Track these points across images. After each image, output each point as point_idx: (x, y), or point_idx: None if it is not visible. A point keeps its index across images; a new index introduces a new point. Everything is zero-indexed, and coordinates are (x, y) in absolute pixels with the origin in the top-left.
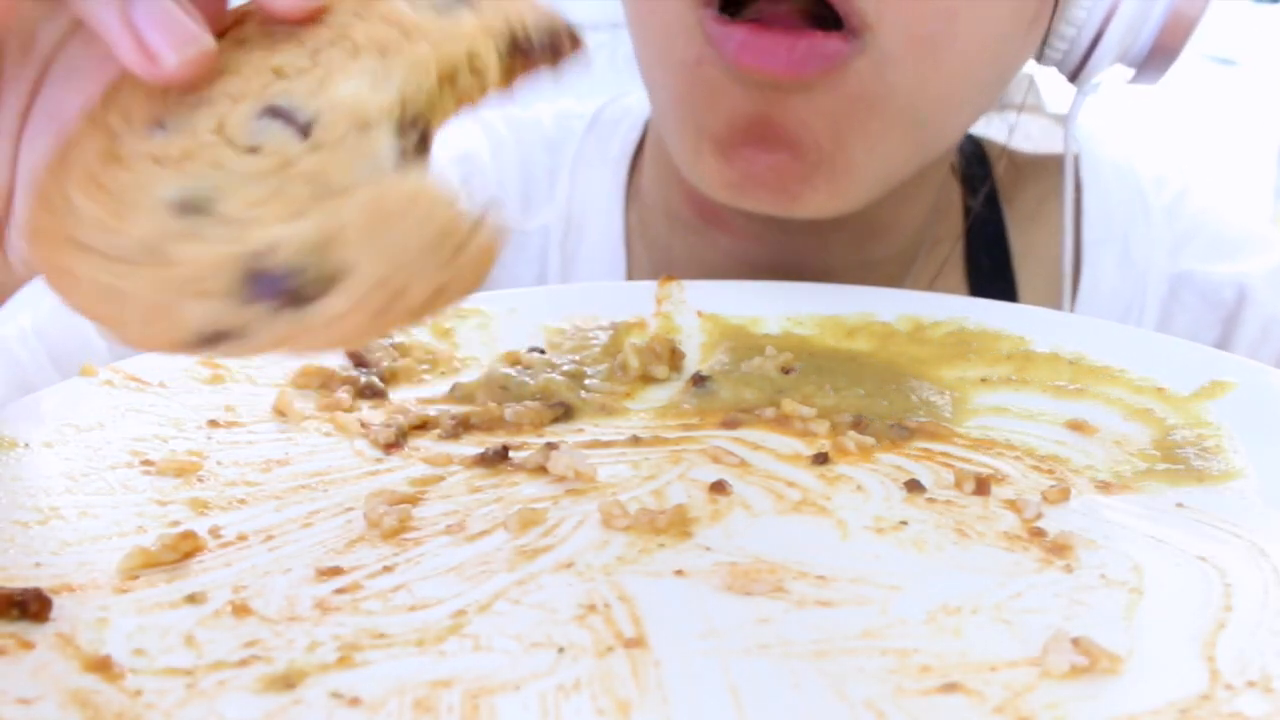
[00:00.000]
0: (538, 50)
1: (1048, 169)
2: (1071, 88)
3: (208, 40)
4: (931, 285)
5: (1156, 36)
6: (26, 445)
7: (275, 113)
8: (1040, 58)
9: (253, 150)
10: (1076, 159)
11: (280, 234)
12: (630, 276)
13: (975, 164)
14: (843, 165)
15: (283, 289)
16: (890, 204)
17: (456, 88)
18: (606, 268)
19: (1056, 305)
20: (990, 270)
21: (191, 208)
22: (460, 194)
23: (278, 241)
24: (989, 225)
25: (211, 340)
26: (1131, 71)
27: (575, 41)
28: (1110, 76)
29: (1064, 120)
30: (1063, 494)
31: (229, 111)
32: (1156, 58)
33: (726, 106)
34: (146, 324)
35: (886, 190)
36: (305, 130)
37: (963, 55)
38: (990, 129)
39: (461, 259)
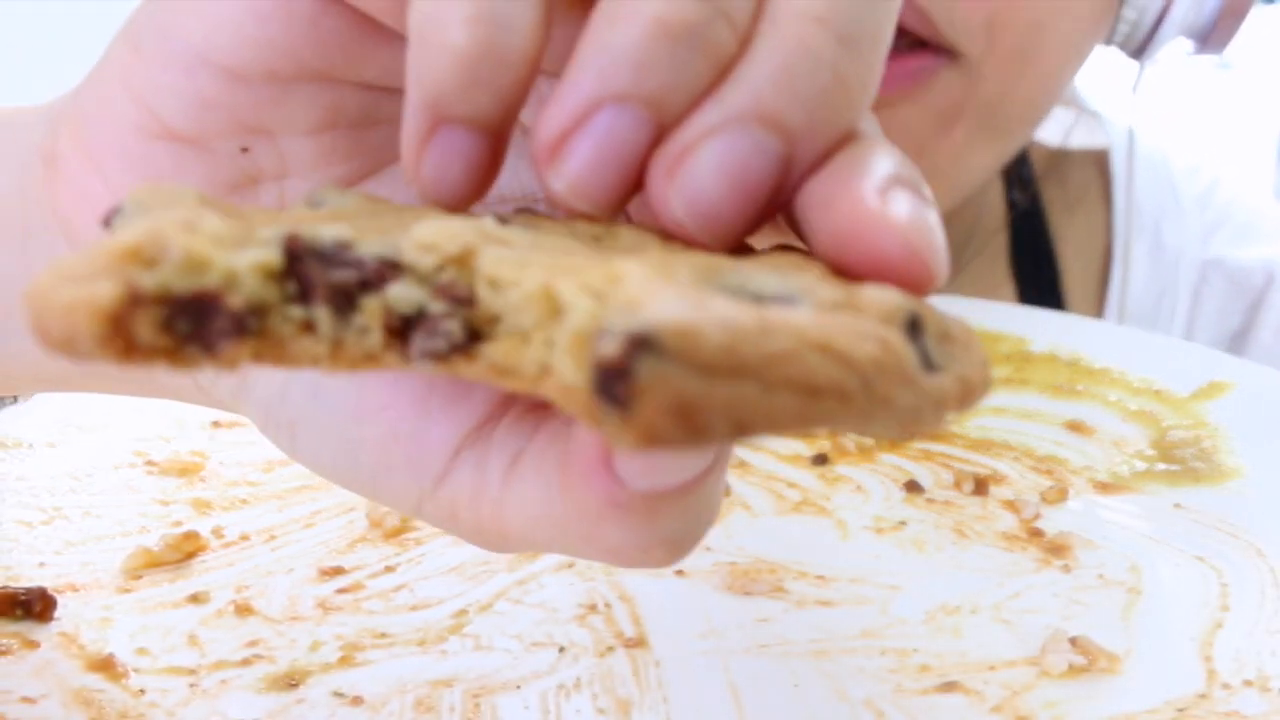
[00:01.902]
0: None
1: (1084, 162)
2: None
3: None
4: (980, 275)
5: (1221, 5)
6: (30, 445)
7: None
8: (1106, 38)
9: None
10: (1109, 152)
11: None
12: None
13: (1015, 156)
14: (927, 167)
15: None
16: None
17: None
18: None
19: (1100, 291)
20: (1034, 259)
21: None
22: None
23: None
24: (1031, 217)
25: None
26: (1192, 45)
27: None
28: (1171, 51)
29: (1098, 116)
30: (1061, 494)
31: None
32: (1222, 26)
33: None
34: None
35: (967, 196)
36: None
37: (1050, 62)
38: None
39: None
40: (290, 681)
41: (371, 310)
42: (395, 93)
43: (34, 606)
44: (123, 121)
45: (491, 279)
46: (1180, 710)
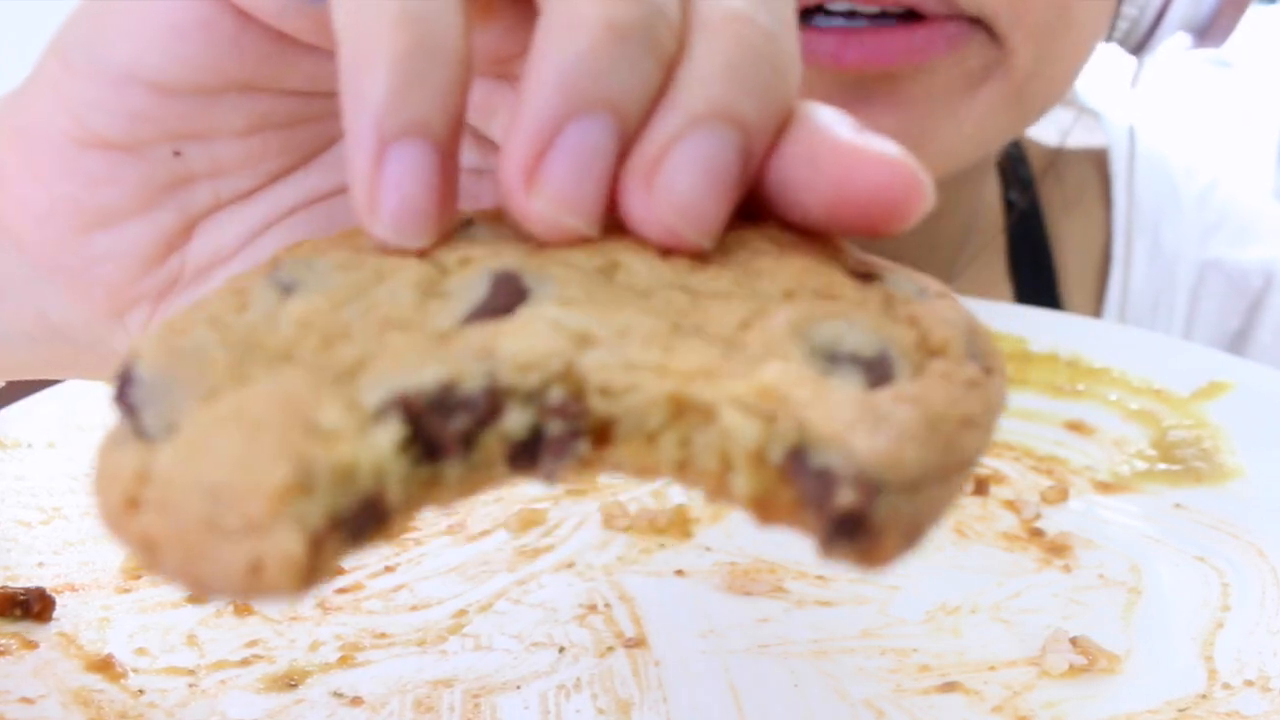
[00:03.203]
0: None
1: (1083, 161)
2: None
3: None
4: (977, 274)
5: (1220, 2)
6: (30, 445)
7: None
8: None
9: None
10: (1108, 152)
11: None
12: None
13: (1012, 155)
14: (952, 132)
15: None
16: (955, 185)
17: None
18: None
19: (1098, 291)
20: (1030, 258)
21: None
22: None
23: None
24: (1029, 215)
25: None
26: (1190, 40)
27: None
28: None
29: (1097, 115)
30: (1061, 494)
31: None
32: (1221, 20)
33: (818, 96)
34: None
35: (983, 156)
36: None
37: (1075, 43)
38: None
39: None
40: (289, 681)
41: (491, 446)
42: (319, 95)
43: (33, 606)
44: (57, 133)
45: (603, 389)
46: (1181, 710)
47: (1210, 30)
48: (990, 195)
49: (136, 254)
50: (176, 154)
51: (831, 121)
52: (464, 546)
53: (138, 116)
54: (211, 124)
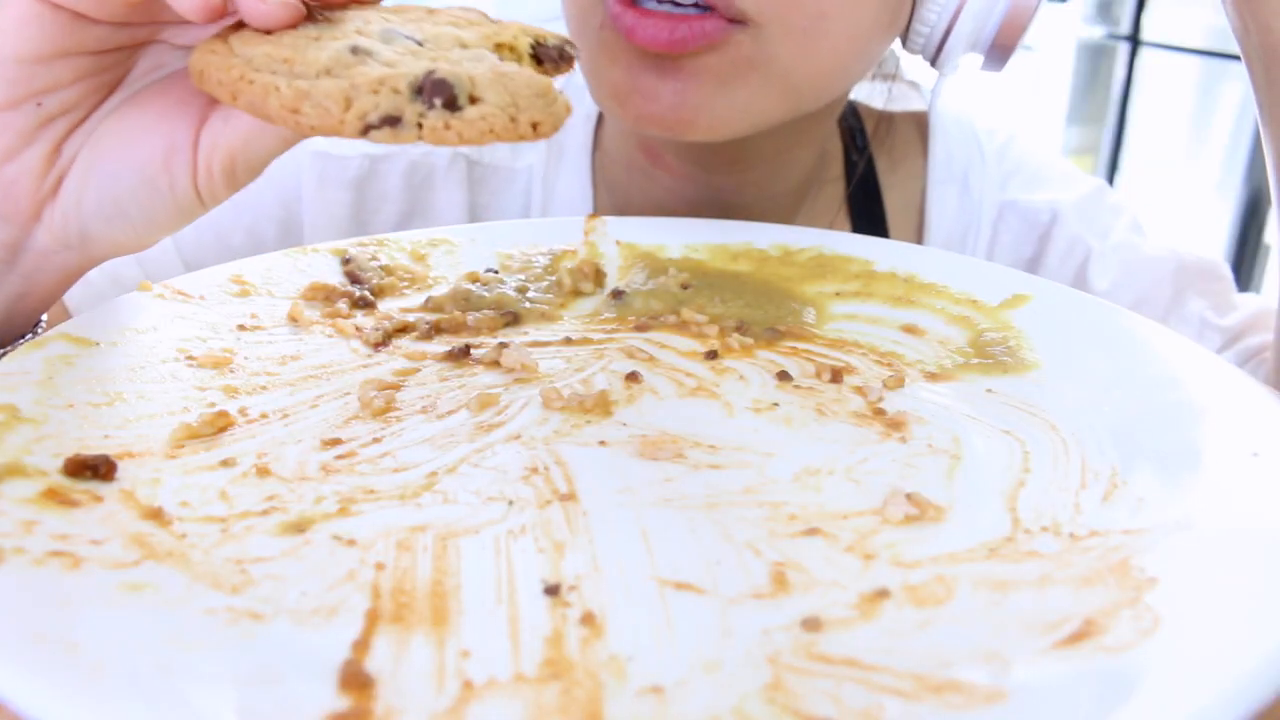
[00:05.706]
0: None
1: (907, 124)
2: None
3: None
4: (822, 212)
5: (997, 31)
6: (98, 343)
7: (392, 34)
8: (906, 45)
9: (387, 44)
10: (928, 114)
11: (437, 65)
12: (595, 211)
13: (852, 120)
14: (724, 106)
15: (443, 93)
16: (787, 149)
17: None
18: (578, 203)
19: (917, 230)
20: (865, 204)
21: (362, 52)
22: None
23: (437, 66)
24: (865, 169)
25: (384, 123)
26: (981, 59)
27: (571, 59)
28: (967, 62)
29: (919, 87)
30: (899, 382)
31: (360, 31)
32: (998, 48)
33: (623, 63)
34: (331, 113)
35: (763, 128)
36: (420, 45)
37: (833, 46)
38: (862, 93)
39: (552, 108)
40: (299, 528)
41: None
42: (106, 52)
43: (100, 469)
44: None
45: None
46: (991, 550)
47: (990, 54)
48: (833, 149)
49: (32, 171)
50: (38, 104)
51: None
52: (434, 422)
53: (10, 83)
54: (53, 80)
